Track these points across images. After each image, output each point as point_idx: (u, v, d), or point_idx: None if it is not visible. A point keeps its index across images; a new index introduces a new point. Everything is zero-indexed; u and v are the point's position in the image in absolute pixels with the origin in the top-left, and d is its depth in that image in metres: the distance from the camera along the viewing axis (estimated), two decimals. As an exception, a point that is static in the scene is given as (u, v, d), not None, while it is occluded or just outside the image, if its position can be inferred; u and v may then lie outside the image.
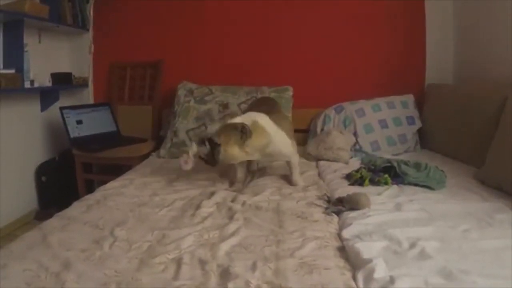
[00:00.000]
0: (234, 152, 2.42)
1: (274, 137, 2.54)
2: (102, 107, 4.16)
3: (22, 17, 3.40)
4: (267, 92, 3.84)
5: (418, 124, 3.71)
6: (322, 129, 3.73)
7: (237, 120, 2.51)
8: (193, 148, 2.50)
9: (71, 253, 1.72)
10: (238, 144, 2.41)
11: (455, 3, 3.94)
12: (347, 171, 2.86)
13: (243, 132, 2.40)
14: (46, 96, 4.07)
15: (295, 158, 2.73)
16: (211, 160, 2.43)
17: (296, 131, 3.06)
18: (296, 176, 2.74)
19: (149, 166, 3.31)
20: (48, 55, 4.12)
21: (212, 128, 3.46)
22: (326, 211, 2.20)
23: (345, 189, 2.53)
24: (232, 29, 4.24)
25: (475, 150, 2.91)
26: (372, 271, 1.50)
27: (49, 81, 3.99)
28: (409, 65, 4.09)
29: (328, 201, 2.39)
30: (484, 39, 3.46)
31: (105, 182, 2.81)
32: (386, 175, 2.65)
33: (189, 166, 2.48)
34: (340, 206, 2.22)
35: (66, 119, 3.79)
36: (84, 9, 4.30)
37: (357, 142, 3.57)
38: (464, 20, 3.84)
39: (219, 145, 2.37)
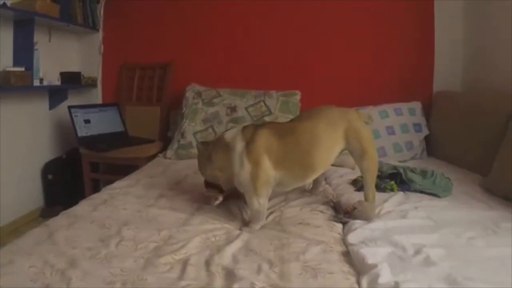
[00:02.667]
0: (207, 172, 2.33)
1: (234, 156, 2.16)
2: (110, 107, 4.18)
3: (32, 15, 3.42)
4: (275, 96, 3.85)
5: (425, 132, 3.71)
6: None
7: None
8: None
9: (77, 251, 1.74)
10: (208, 162, 2.29)
11: (465, 9, 3.93)
12: (353, 176, 2.86)
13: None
14: (55, 95, 4.10)
15: (251, 198, 2.12)
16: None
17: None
18: (251, 219, 2.17)
19: (156, 167, 3.32)
20: (58, 54, 4.15)
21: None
22: (334, 219, 2.20)
23: (351, 195, 2.53)
24: (240, 33, 4.26)
25: (481, 158, 2.90)
26: (376, 276, 1.50)
27: (58, 80, 4.02)
28: (417, 72, 4.08)
29: (334, 207, 2.39)
30: (494, 47, 3.45)
31: (111, 182, 2.82)
32: (392, 182, 2.64)
33: (219, 201, 2.31)
34: (348, 217, 2.19)
35: (74, 118, 3.81)
36: (94, 9, 4.32)
37: (363, 148, 3.57)
38: (474, 27, 3.82)
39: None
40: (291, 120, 2.43)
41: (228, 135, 2.25)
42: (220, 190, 2.33)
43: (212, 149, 2.25)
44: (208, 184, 2.36)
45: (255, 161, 2.11)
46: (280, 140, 2.16)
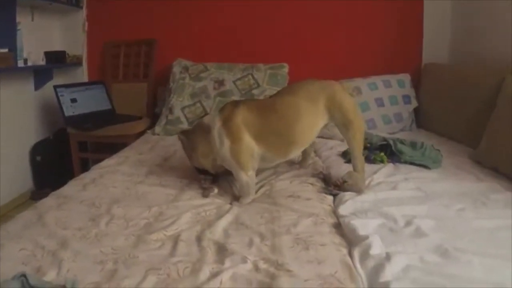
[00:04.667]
0: (194, 162, 2.31)
1: (213, 135, 2.16)
2: (97, 85, 4.13)
3: (14, -6, 3.35)
4: (262, 69, 3.83)
5: (414, 103, 3.71)
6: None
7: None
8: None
9: (68, 232, 1.73)
10: (192, 151, 2.28)
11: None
12: (342, 148, 2.85)
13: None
14: (40, 75, 4.03)
15: (239, 173, 2.13)
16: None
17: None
18: (241, 193, 2.17)
19: (144, 144, 3.30)
20: (42, 34, 4.07)
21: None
22: (325, 191, 2.21)
23: (341, 167, 2.54)
24: (227, 6, 4.19)
25: (471, 130, 2.91)
26: (368, 247, 1.51)
27: (43, 60, 3.95)
28: (406, 43, 4.06)
29: (324, 180, 2.40)
30: (482, 20, 3.44)
31: (100, 161, 2.81)
32: (382, 153, 2.65)
33: (214, 191, 2.24)
34: (338, 190, 2.19)
35: (60, 97, 3.76)
36: (77, -14, 4.25)
37: (353, 120, 3.57)
38: (462, 1, 3.80)
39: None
40: (272, 96, 2.43)
41: (207, 118, 2.28)
42: (212, 174, 2.33)
43: (194, 137, 2.25)
44: (200, 171, 2.34)
45: (234, 137, 2.12)
46: (259, 116, 2.17)
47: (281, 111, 2.20)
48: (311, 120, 2.24)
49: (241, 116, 2.14)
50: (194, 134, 2.26)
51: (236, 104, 2.23)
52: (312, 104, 2.23)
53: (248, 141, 2.12)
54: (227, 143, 2.11)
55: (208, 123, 2.21)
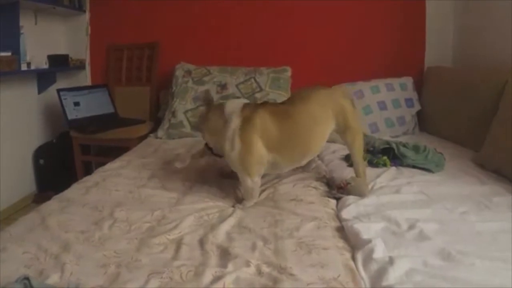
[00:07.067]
0: (204, 134, 2.34)
1: (227, 132, 2.14)
2: (100, 89, 4.14)
3: (17, -2, 3.36)
4: (265, 72, 3.83)
5: (417, 107, 3.71)
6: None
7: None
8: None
9: (70, 235, 1.73)
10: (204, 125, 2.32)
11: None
12: (345, 152, 2.85)
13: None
14: (43, 79, 4.04)
15: (244, 177, 2.13)
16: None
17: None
18: (245, 196, 2.18)
19: (147, 147, 3.30)
20: (45, 37, 4.08)
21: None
22: (328, 195, 2.21)
23: (344, 171, 2.54)
24: (230, 9, 4.20)
25: (473, 133, 2.90)
26: (371, 251, 1.51)
27: (46, 63, 3.95)
28: (408, 47, 4.06)
29: (327, 183, 2.39)
30: (485, 23, 3.43)
31: (103, 164, 2.81)
32: (385, 157, 2.65)
33: (184, 164, 2.35)
34: (341, 193, 2.19)
35: (64, 101, 3.77)
36: (80, -10, 4.26)
37: (355, 123, 3.56)
38: (465, 3, 3.80)
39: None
40: (284, 103, 2.40)
41: (228, 108, 2.22)
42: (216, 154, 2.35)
43: (210, 113, 2.27)
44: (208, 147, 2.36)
45: (246, 141, 2.10)
46: (276, 123, 2.15)
47: (297, 119, 2.19)
48: (323, 127, 2.25)
49: (259, 121, 2.13)
50: (211, 111, 2.27)
51: (256, 107, 2.21)
52: (323, 111, 2.24)
53: (260, 148, 2.11)
54: (238, 146, 2.10)
55: (227, 114, 2.19)
